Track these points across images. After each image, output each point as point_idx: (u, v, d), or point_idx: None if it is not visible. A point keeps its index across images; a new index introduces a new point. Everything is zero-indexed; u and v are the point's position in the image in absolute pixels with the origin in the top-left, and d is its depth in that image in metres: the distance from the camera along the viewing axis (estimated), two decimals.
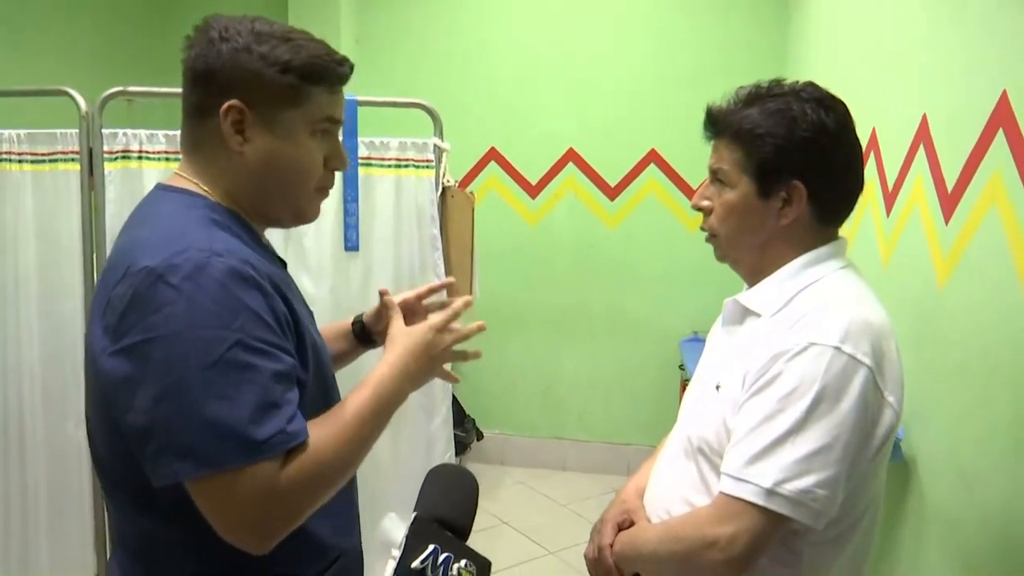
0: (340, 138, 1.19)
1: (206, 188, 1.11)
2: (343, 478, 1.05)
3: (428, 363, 1.21)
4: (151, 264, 0.96)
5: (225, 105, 1.06)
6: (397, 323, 1.24)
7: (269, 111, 1.07)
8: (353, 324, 1.45)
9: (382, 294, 1.35)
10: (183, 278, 0.95)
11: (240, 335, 0.95)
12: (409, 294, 1.41)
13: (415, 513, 1.12)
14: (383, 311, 1.35)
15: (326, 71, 1.10)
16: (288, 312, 1.06)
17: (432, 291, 1.44)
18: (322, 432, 1.01)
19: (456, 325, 1.26)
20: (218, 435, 0.92)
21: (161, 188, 1.14)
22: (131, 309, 0.96)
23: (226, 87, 1.06)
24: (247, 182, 1.10)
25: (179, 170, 1.14)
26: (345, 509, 1.21)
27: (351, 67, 1.14)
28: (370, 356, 1.45)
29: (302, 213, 1.17)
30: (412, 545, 1.06)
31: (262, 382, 0.95)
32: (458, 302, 1.29)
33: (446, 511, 1.15)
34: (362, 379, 1.13)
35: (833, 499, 1.11)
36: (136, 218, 1.12)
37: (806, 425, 1.11)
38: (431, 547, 1.06)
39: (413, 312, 1.40)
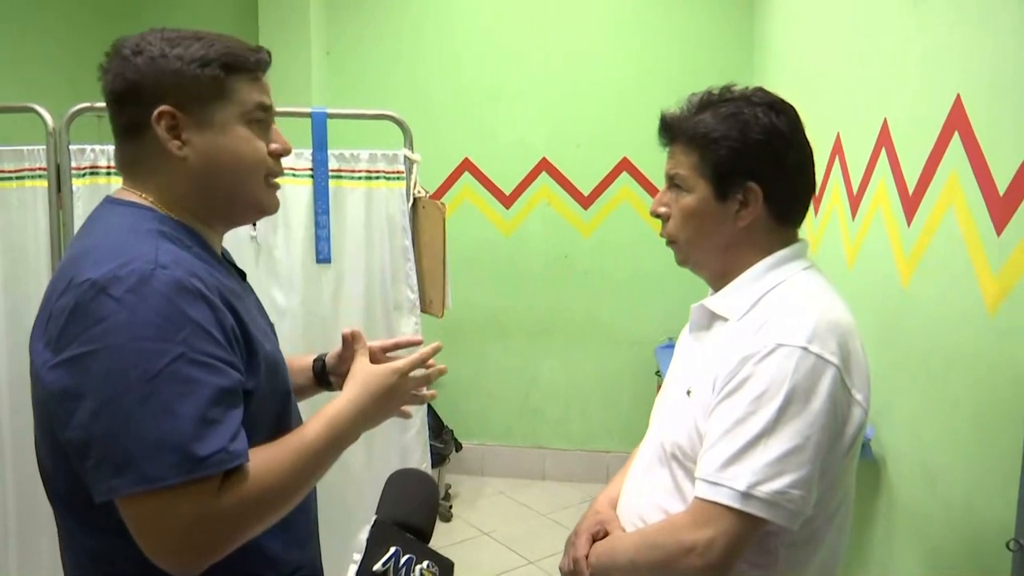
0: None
1: (154, 201, 1.09)
2: (283, 509, 1.02)
3: (386, 405, 1.20)
4: (94, 276, 0.94)
5: (155, 113, 1.05)
6: (362, 360, 1.22)
7: (199, 109, 1.06)
8: (314, 362, 1.42)
9: (345, 336, 1.31)
10: (126, 290, 0.93)
11: (183, 348, 0.93)
12: (375, 344, 1.36)
13: (375, 516, 1.12)
14: (349, 346, 1.31)
15: (243, 59, 1.09)
16: (237, 325, 1.04)
17: (399, 346, 1.40)
18: (268, 459, 0.99)
19: (419, 370, 1.24)
20: (156, 451, 0.89)
21: (110, 201, 1.12)
22: (72, 321, 0.94)
23: (152, 97, 1.05)
24: (196, 186, 1.09)
25: (124, 186, 1.12)
26: (299, 522, 1.18)
27: (269, 54, 1.14)
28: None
29: (260, 205, 1.15)
30: (373, 548, 1.06)
31: (205, 396, 0.93)
32: (427, 348, 1.27)
33: (406, 514, 1.15)
34: (318, 411, 1.10)
35: (807, 499, 1.12)
36: (84, 230, 1.10)
37: (777, 426, 1.12)
38: (393, 549, 1.05)
39: (375, 362, 1.34)
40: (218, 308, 1.00)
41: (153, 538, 0.92)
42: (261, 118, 1.12)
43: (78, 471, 0.95)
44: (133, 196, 1.10)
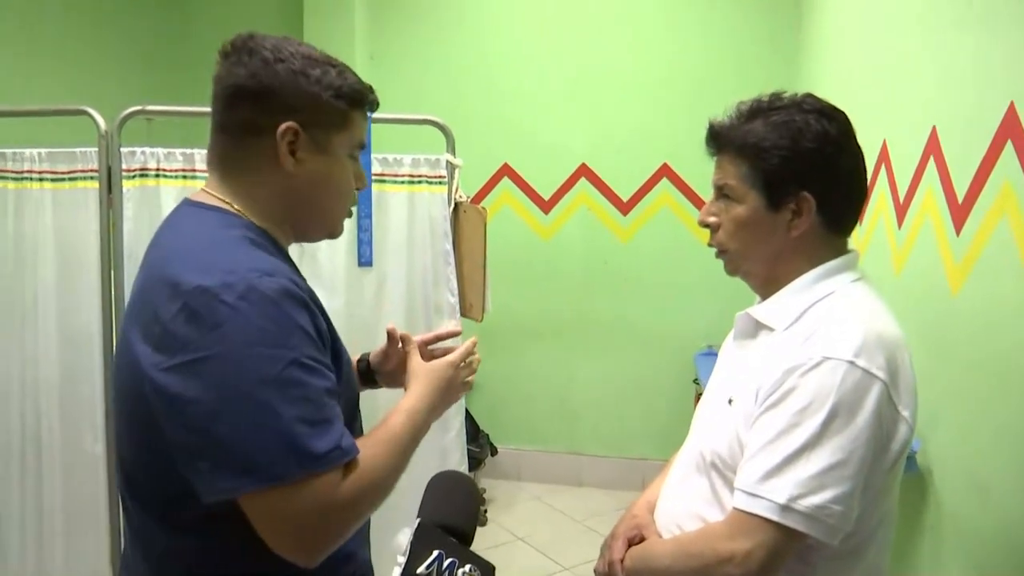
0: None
1: (239, 207, 1.11)
2: (386, 497, 1.08)
3: (448, 396, 1.27)
4: (205, 283, 0.97)
5: (283, 127, 1.08)
6: (416, 359, 1.29)
7: (321, 133, 1.11)
8: (359, 362, 1.45)
9: (390, 333, 1.39)
10: (238, 297, 0.96)
11: (295, 353, 0.97)
12: (417, 338, 1.40)
13: (419, 519, 1.13)
14: (395, 347, 1.39)
15: (365, 96, 1.15)
16: (328, 329, 1.08)
17: (440, 339, 1.45)
18: (371, 451, 1.05)
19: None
20: (279, 450, 0.94)
21: (192, 205, 1.14)
22: (187, 327, 0.96)
23: (285, 108, 1.08)
24: (291, 201, 1.13)
25: (208, 188, 1.14)
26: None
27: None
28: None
29: (335, 230, 1.21)
30: (417, 551, 1.06)
31: (316, 399, 0.98)
32: (469, 342, 1.34)
33: (449, 517, 1.15)
34: (394, 408, 1.16)
35: (848, 514, 1.11)
36: (171, 232, 1.12)
37: (821, 440, 1.10)
38: (436, 552, 1.06)
39: (423, 357, 1.40)
40: (315, 313, 1.05)
41: (281, 532, 0.97)
42: (357, 152, 1.18)
43: (186, 472, 0.97)
44: (215, 201, 1.12)
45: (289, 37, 1.14)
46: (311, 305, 1.04)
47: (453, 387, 1.27)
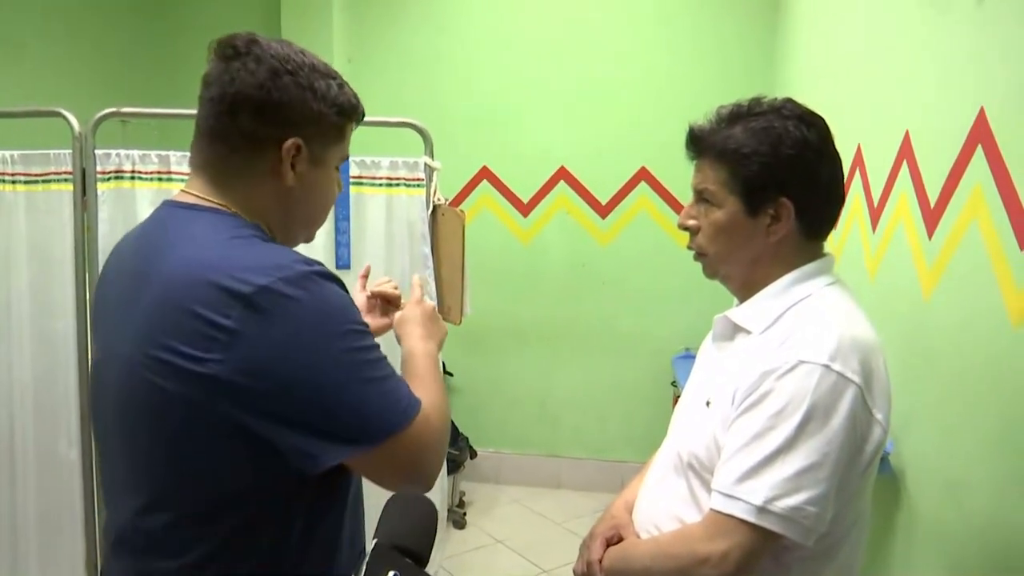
0: None
1: (234, 211, 1.09)
2: (450, 419, 1.19)
3: (436, 324, 1.36)
4: (262, 282, 0.97)
5: (290, 143, 1.08)
6: (397, 314, 1.40)
7: (319, 148, 1.12)
8: None
9: (365, 275, 1.56)
10: (296, 287, 0.99)
11: (356, 326, 1.05)
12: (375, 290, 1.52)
13: (375, 540, 1.14)
14: (364, 286, 1.51)
15: (356, 110, 1.17)
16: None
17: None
18: (424, 388, 1.13)
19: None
20: (383, 408, 1.03)
21: (183, 207, 1.10)
22: (259, 326, 0.96)
23: (288, 123, 1.08)
24: (283, 208, 1.12)
25: (193, 189, 1.11)
26: (361, 514, 1.24)
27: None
28: None
29: (312, 234, 1.23)
30: (373, 572, 1.08)
31: (383, 357, 1.06)
32: (415, 279, 1.46)
33: (405, 538, 1.17)
34: (407, 353, 1.27)
35: (823, 515, 1.12)
36: (177, 238, 1.07)
37: (796, 443, 1.12)
38: (391, 574, 1.08)
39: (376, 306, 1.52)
40: (346, 288, 1.09)
41: (403, 474, 1.07)
42: (339, 164, 1.20)
43: (288, 452, 1.01)
44: (208, 204, 1.09)
45: (287, 42, 1.11)
46: (342, 282, 1.09)
47: (431, 315, 1.37)
